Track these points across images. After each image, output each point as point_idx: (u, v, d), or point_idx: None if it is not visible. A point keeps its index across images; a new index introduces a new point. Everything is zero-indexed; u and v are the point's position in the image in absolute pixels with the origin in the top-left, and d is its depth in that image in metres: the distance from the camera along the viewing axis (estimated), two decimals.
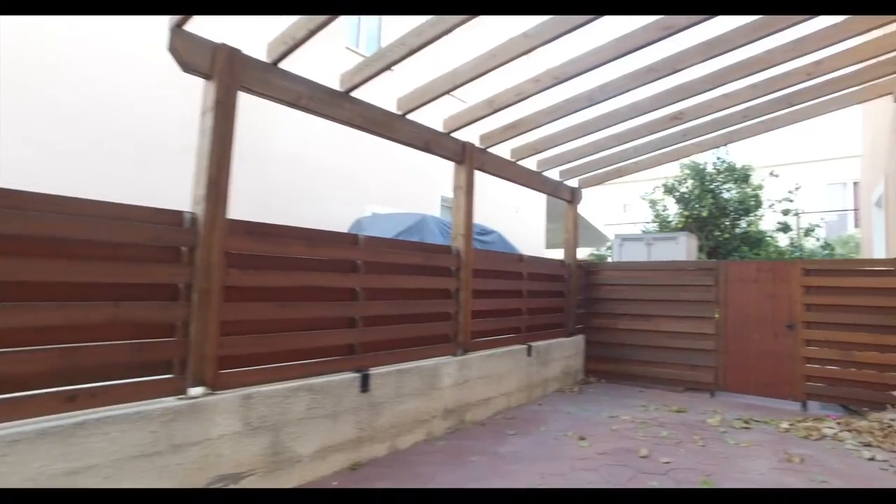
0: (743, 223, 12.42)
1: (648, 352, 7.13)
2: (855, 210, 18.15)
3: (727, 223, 12.28)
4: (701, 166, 11.98)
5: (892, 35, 4.74)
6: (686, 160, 11.52)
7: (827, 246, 12.26)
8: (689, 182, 11.95)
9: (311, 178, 8.71)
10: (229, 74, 3.21)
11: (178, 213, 3.03)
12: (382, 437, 4.07)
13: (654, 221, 12.91)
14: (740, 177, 12.11)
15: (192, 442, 2.82)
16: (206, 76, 3.18)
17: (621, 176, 7.49)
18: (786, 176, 12.90)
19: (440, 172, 9.30)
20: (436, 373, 4.68)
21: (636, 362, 7.22)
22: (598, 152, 6.80)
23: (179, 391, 2.90)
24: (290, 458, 3.36)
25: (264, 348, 3.40)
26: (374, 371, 4.05)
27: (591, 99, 5.13)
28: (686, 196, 11.87)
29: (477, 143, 5.63)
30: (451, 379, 4.88)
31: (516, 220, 13.55)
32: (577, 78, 4.52)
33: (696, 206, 11.49)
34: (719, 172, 11.97)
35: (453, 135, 5.23)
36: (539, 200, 14.53)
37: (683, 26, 3.85)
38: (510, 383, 5.86)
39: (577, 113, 5.43)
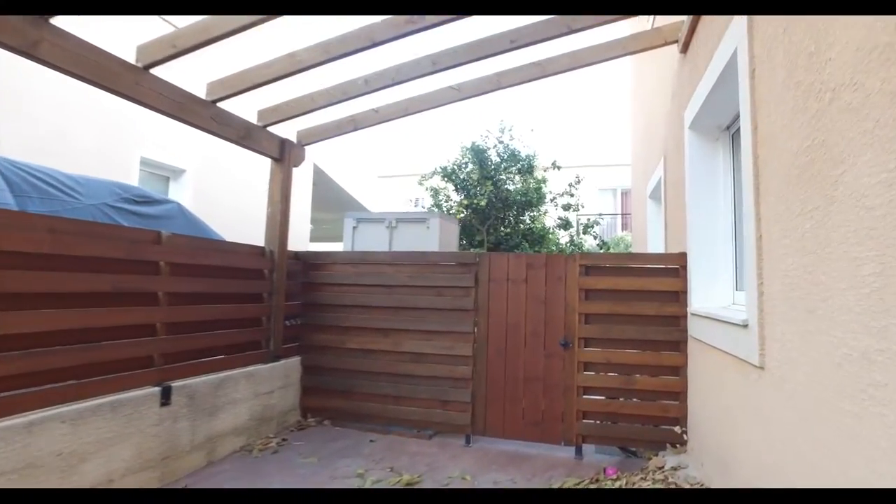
0: (527, 218, 11.35)
1: (388, 381, 4.89)
2: (624, 215, 19.14)
3: (511, 217, 11.07)
4: (480, 146, 10.47)
5: None
6: (466, 142, 9.93)
7: (604, 245, 11.81)
8: (470, 166, 10.36)
9: None
10: None
11: None
12: None
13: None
14: (524, 167, 10.99)
15: None
16: None
17: (358, 128, 5.14)
18: (564, 177, 12.22)
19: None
20: None
21: (372, 396, 4.92)
22: (328, 103, 4.44)
23: None
24: None
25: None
26: None
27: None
28: (466, 182, 10.24)
29: None
30: None
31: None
32: None
33: (478, 193, 9.91)
34: (502, 160, 10.62)
35: None
36: (302, 182, 11.70)
37: None
38: (113, 459, 3.01)
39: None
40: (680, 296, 4.22)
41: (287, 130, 5.19)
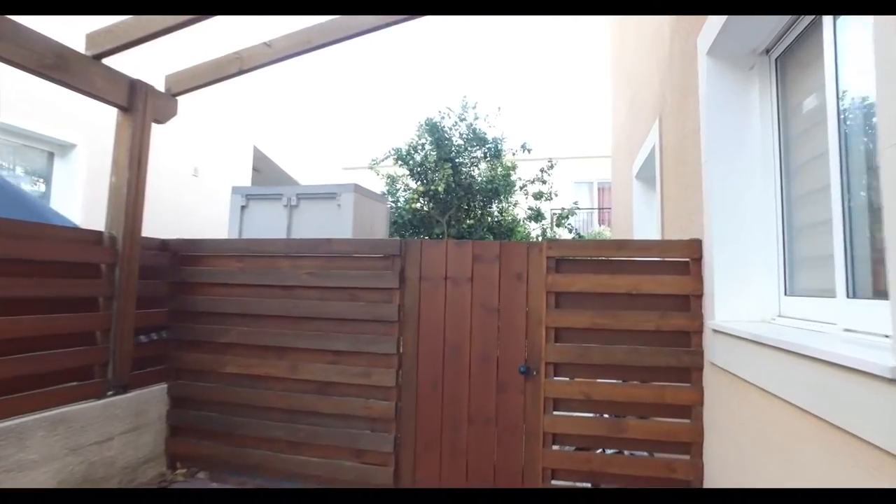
0: (494, 209, 10.02)
1: (283, 420, 3.47)
2: (602, 209, 18.00)
3: (476, 208, 9.71)
4: (436, 122, 9.06)
5: None
6: (422, 118, 8.51)
7: (581, 239, 10.51)
8: (427, 147, 8.95)
9: None
10: None
11: None
12: None
13: (392, 208, 9.71)
14: (491, 152, 9.64)
15: None
16: None
17: (247, 69, 3.70)
18: (535, 165, 10.87)
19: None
20: None
21: (262, 441, 3.50)
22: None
23: None
24: None
25: None
26: None
27: None
28: (423, 166, 8.83)
29: None
30: None
31: (195, 186, 8.93)
32: None
33: (435, 178, 8.51)
34: (465, 142, 9.24)
35: None
36: (240, 166, 10.14)
37: None
38: None
39: None
40: (691, 301, 2.90)
41: (154, 76, 3.73)
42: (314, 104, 13.04)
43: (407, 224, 9.16)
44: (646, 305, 2.97)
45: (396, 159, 9.13)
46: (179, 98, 3.85)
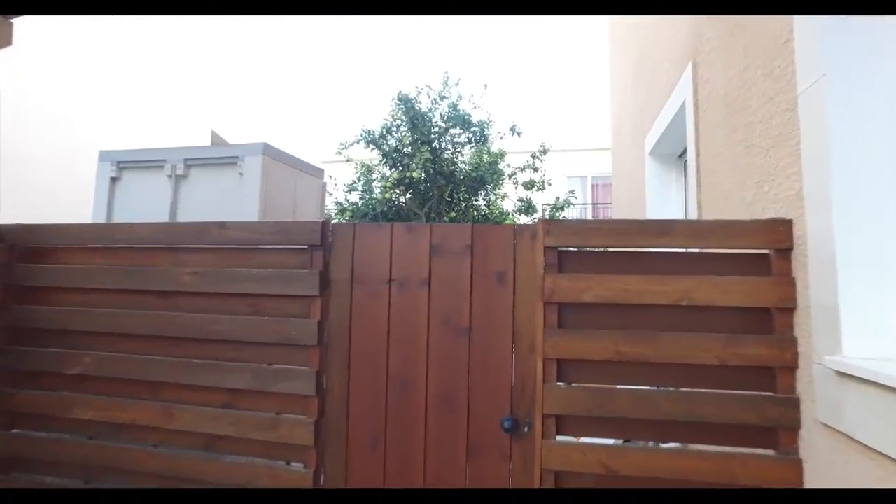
0: (481, 201, 8.91)
1: (147, 484, 2.31)
2: (597, 204, 16.99)
3: (461, 199, 8.60)
4: (411, 97, 7.89)
5: None
6: (394, 91, 7.37)
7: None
8: (402, 128, 7.80)
9: None
10: None
11: None
12: None
13: (364, 198, 8.56)
14: (477, 136, 8.52)
15: None
16: None
17: None
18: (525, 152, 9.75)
19: None
20: None
21: None
22: None
23: None
24: None
25: None
26: None
27: None
28: (398, 151, 7.68)
29: None
30: None
31: None
32: None
33: (411, 163, 7.38)
34: (447, 122, 8.10)
35: None
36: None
37: None
38: None
39: None
40: (774, 319, 1.81)
41: None
42: (288, 87, 11.88)
43: (379, 217, 8.03)
44: (702, 324, 1.87)
45: (368, 143, 7.96)
46: None
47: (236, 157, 2.99)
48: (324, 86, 15.37)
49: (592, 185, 19.35)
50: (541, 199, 9.35)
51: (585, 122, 18.02)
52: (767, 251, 1.86)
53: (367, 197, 8.55)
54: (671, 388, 1.88)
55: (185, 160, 3.10)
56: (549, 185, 8.76)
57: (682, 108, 3.38)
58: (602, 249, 2.06)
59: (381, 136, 7.94)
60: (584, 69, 20.69)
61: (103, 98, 7.26)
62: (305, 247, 2.26)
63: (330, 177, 9.30)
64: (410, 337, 2.12)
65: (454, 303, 2.08)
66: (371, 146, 7.94)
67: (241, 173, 2.99)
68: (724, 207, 2.57)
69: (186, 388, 2.35)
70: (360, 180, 8.75)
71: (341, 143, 8.19)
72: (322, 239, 2.23)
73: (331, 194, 9.17)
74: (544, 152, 8.62)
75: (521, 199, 8.71)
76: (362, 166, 8.85)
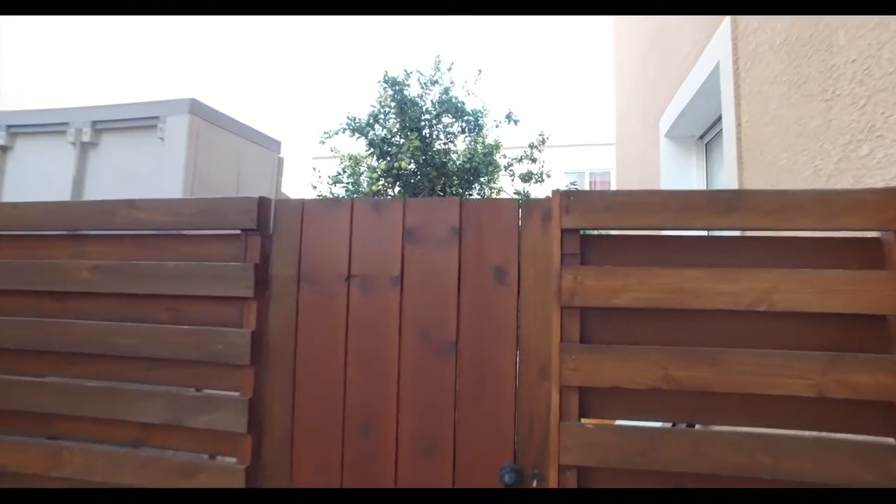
0: (475, 194, 8.34)
1: None
2: None
3: (453, 192, 8.02)
4: (398, 80, 7.29)
5: None
6: (381, 73, 6.79)
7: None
8: (391, 114, 7.21)
9: None
10: None
11: None
12: None
13: (350, 191, 7.99)
14: (470, 125, 7.96)
15: None
16: None
17: None
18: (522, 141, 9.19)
19: None
20: None
21: None
22: None
23: None
24: None
25: None
26: None
27: None
28: (385, 140, 7.09)
29: None
30: None
31: None
32: None
33: (399, 152, 6.80)
34: (438, 107, 7.52)
35: None
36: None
37: None
38: None
39: None
40: (892, 330, 1.24)
41: None
42: (275, 80, 11.31)
43: None
44: (790, 339, 1.31)
45: (353, 131, 7.37)
46: None
47: (157, 118, 2.34)
48: (312, 77, 14.78)
49: (590, 182, 18.94)
50: (539, 193, 8.79)
51: (582, 117, 17.67)
52: (879, 233, 1.31)
53: (354, 190, 7.98)
54: (745, 430, 1.31)
55: (94, 123, 2.46)
56: (549, 176, 8.20)
57: (715, 71, 2.83)
58: (639, 233, 1.49)
59: (368, 125, 7.36)
60: (582, 63, 20.20)
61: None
62: (238, 232, 1.69)
63: (314, 169, 8.73)
64: (376, 355, 1.55)
65: (436, 308, 1.51)
66: (356, 135, 7.35)
67: (161, 138, 2.35)
68: (783, 187, 2.02)
69: (84, 420, 1.77)
70: (345, 171, 8.17)
71: (325, 132, 7.59)
72: (260, 222, 1.66)
73: (314, 187, 8.59)
74: (543, 142, 8.07)
75: (518, 192, 8.15)
76: (349, 158, 8.29)
